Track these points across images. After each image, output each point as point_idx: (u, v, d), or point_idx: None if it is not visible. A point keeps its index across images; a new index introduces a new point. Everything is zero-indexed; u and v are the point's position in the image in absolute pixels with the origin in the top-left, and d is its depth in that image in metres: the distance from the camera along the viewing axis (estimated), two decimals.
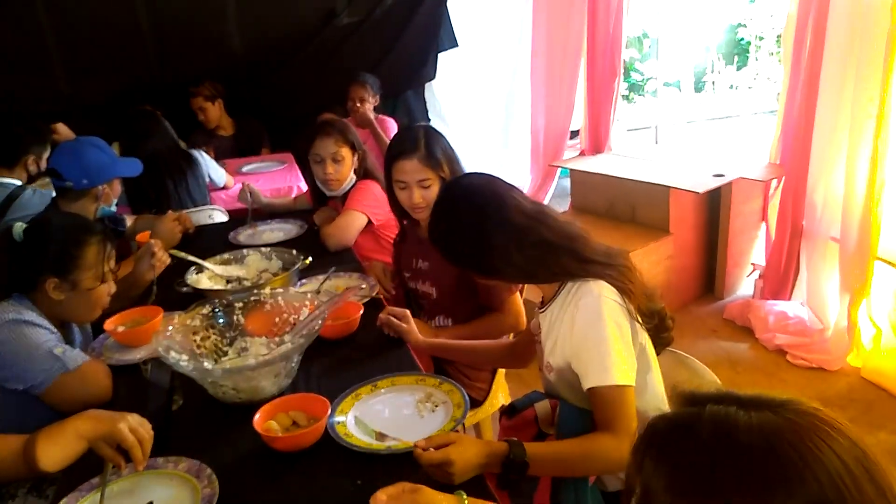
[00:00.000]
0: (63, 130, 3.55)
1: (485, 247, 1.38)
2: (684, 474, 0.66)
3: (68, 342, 1.74)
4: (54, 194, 2.41)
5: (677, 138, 4.11)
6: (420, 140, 1.99)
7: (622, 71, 4.06)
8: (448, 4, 4.36)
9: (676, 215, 3.32)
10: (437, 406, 1.47)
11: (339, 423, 1.42)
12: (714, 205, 3.40)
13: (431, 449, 1.24)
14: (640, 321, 1.38)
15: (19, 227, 1.68)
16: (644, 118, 4.50)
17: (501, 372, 2.22)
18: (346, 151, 2.49)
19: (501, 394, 2.25)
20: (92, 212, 2.26)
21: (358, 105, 3.85)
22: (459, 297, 2.08)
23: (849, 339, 2.87)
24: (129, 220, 2.76)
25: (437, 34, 4.39)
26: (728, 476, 0.63)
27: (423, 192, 1.99)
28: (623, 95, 4.57)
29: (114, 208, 2.40)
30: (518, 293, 2.08)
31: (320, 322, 1.57)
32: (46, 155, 3.07)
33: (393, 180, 2.02)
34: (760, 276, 3.29)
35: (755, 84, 4.12)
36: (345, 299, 1.72)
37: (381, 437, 1.39)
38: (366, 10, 4.34)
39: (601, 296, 1.34)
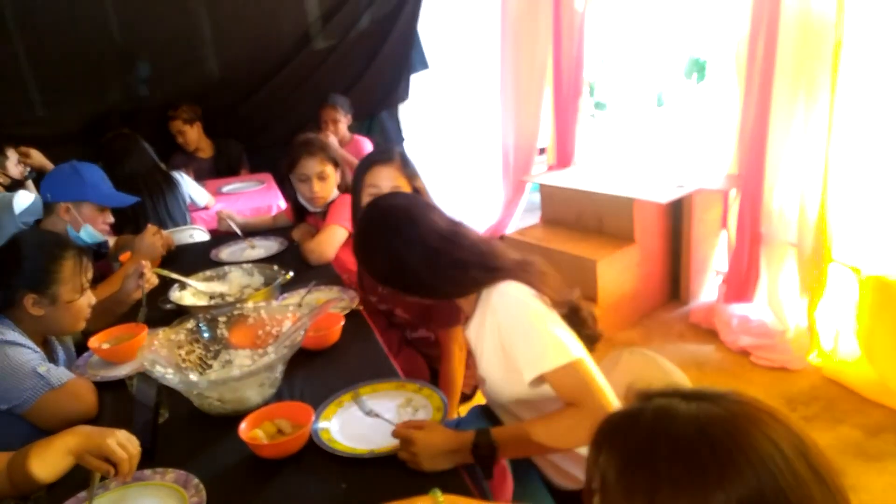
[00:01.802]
0: (35, 155, 3.57)
1: (399, 267, 1.43)
2: (631, 464, 0.69)
3: (51, 361, 1.74)
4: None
5: (641, 152, 4.24)
6: (396, 151, 2.08)
7: (587, 89, 4.21)
8: (419, 28, 4.49)
9: (641, 225, 3.44)
10: (417, 410, 1.52)
11: (323, 429, 1.46)
12: (677, 214, 3.52)
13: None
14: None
15: None
16: (608, 133, 4.64)
17: None
18: (330, 169, 2.54)
19: None
20: (61, 231, 2.26)
21: (331, 127, 3.95)
22: (435, 310, 2.12)
23: (809, 339, 2.98)
24: (110, 241, 2.81)
25: (409, 57, 4.51)
26: (666, 464, 0.66)
27: None
28: (589, 113, 4.71)
29: (101, 237, 2.38)
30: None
31: (302, 333, 1.62)
32: (11, 165, 3.10)
33: (364, 185, 2.06)
34: (723, 281, 3.41)
35: (713, 99, 4.28)
36: (325, 311, 1.78)
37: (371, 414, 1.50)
38: (340, 34, 4.47)
39: (510, 292, 1.38)
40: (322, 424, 1.48)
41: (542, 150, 4.44)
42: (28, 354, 1.60)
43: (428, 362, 2.17)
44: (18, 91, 4.06)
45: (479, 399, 2.28)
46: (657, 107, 5.26)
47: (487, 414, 1.65)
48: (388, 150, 2.10)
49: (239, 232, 2.78)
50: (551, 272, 1.47)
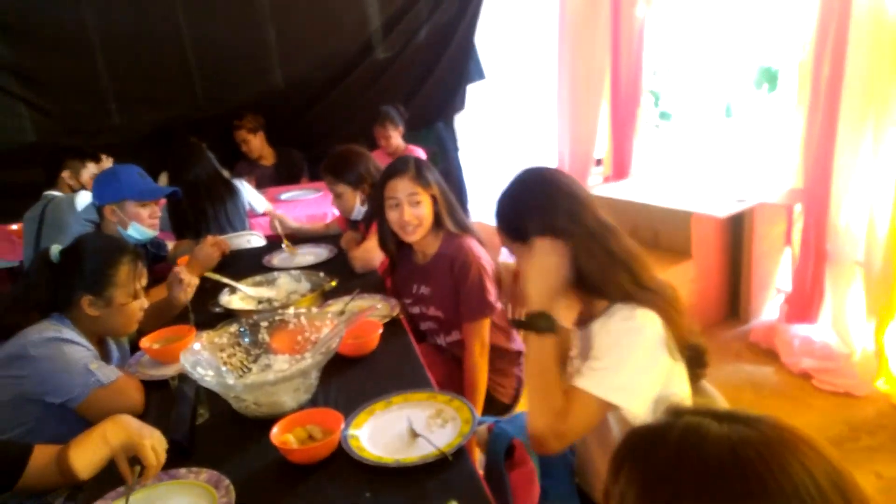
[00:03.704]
0: (103, 161, 3.77)
1: (550, 235, 1.37)
2: (654, 482, 0.66)
3: (106, 359, 1.85)
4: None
5: (702, 165, 4.12)
6: (410, 163, 2.12)
7: (647, 99, 4.12)
8: (476, 39, 4.51)
9: (698, 239, 3.34)
10: (446, 422, 1.52)
11: (352, 436, 1.48)
12: (737, 229, 3.41)
13: None
14: (678, 352, 1.34)
15: (56, 248, 1.81)
16: (672, 145, 4.53)
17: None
18: (341, 188, 2.65)
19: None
20: (113, 232, 2.37)
21: (383, 143, 4.11)
22: (463, 302, 2.13)
23: (877, 364, 2.82)
24: (170, 245, 2.94)
25: (466, 67, 4.54)
26: (692, 485, 0.63)
27: (413, 210, 2.07)
28: (653, 124, 4.61)
29: (152, 233, 2.48)
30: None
31: (337, 340, 1.65)
32: (86, 172, 3.29)
33: (385, 199, 2.11)
34: (785, 300, 3.27)
35: (783, 109, 4.13)
36: (361, 319, 1.81)
37: (413, 434, 1.48)
38: (400, 45, 4.56)
39: (646, 325, 1.30)
40: (352, 432, 1.50)
41: (598, 161, 4.38)
42: (82, 352, 1.70)
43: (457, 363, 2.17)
44: (97, 100, 4.32)
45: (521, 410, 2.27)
46: (725, 118, 5.10)
47: None
48: (403, 161, 2.14)
49: (280, 231, 2.87)
50: (683, 303, 1.39)
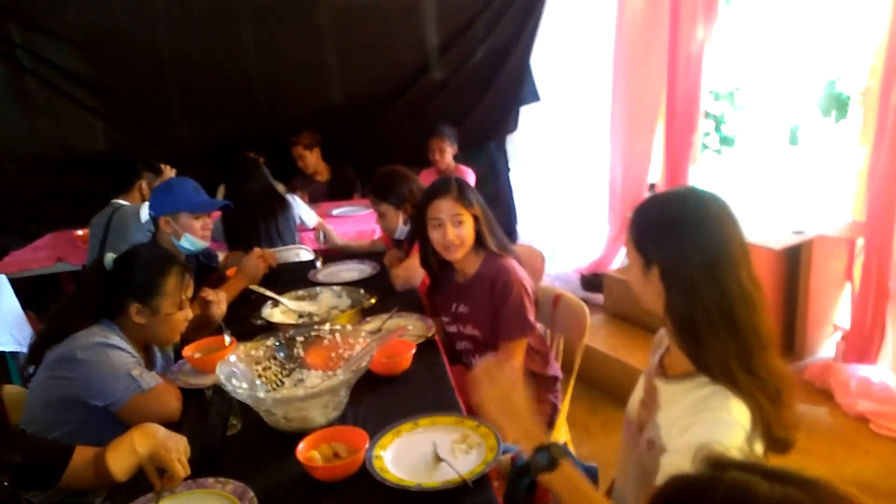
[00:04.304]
0: (167, 171, 3.93)
1: (672, 274, 1.22)
2: None
3: (150, 365, 1.92)
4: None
5: (760, 193, 3.99)
6: (452, 183, 2.14)
7: (706, 123, 4.01)
8: (531, 60, 4.51)
9: None
10: (471, 448, 1.51)
11: (377, 457, 1.49)
12: (794, 262, 3.27)
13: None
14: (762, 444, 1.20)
15: (110, 257, 1.89)
16: (731, 171, 4.41)
17: (564, 411, 2.26)
18: (384, 208, 2.70)
19: (564, 430, 2.29)
20: (167, 242, 2.47)
21: (437, 156, 4.13)
22: (503, 319, 2.13)
23: None
24: (221, 256, 3.04)
25: (521, 89, 4.54)
26: None
27: (456, 230, 2.09)
28: (714, 149, 4.50)
29: (203, 244, 2.55)
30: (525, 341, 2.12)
31: (368, 359, 1.67)
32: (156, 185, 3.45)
33: (428, 220, 2.13)
34: (843, 338, 3.12)
35: (850, 138, 3.96)
36: (393, 339, 1.82)
37: (437, 458, 1.47)
38: (455, 65, 4.63)
39: (737, 423, 1.15)
40: (377, 452, 1.51)
41: (652, 186, 4.29)
42: (126, 358, 1.77)
43: None
44: (166, 114, 4.54)
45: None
46: (790, 145, 4.93)
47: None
48: (446, 181, 2.16)
49: (322, 242, 2.92)
50: (791, 395, 1.22)
